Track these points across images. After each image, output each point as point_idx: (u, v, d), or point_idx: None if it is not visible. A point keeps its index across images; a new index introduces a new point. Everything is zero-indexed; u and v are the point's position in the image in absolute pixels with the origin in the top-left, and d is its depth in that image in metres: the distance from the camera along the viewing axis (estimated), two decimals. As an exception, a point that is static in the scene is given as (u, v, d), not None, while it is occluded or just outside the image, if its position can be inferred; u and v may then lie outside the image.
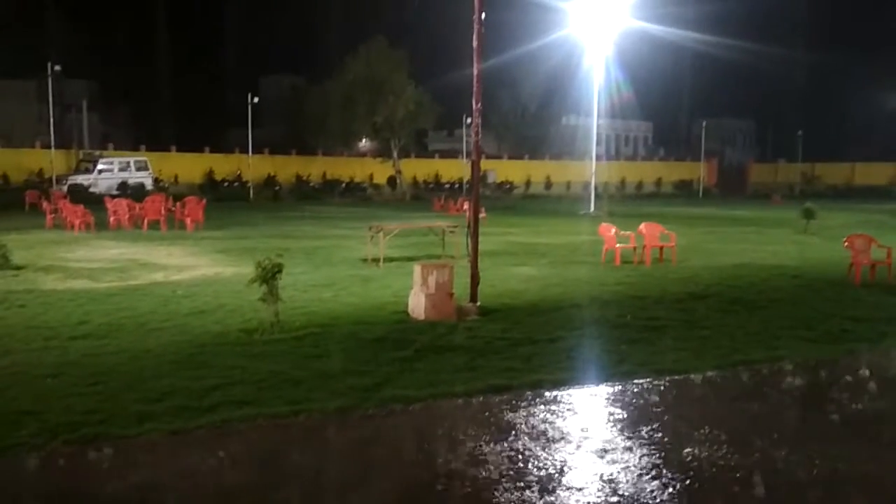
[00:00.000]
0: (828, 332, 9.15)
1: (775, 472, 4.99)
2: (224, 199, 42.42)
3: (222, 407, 6.05)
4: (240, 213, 33.38)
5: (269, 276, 8.57)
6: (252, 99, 48.56)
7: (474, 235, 10.46)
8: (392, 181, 57.53)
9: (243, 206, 40.01)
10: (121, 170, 44.34)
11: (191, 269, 14.36)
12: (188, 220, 23.41)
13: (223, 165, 53.40)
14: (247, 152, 50.91)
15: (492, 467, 4.99)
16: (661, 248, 16.40)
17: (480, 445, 5.39)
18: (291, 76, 68.42)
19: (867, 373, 7.58)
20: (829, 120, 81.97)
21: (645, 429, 5.77)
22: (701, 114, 76.50)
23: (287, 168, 55.95)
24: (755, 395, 6.82)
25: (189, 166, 52.26)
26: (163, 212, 24.02)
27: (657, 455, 5.23)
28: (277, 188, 51.58)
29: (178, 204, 25.61)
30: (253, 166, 50.61)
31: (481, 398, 6.44)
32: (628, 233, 16.43)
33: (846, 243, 14.24)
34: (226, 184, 50.94)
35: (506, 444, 5.40)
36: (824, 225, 25.88)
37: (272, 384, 6.69)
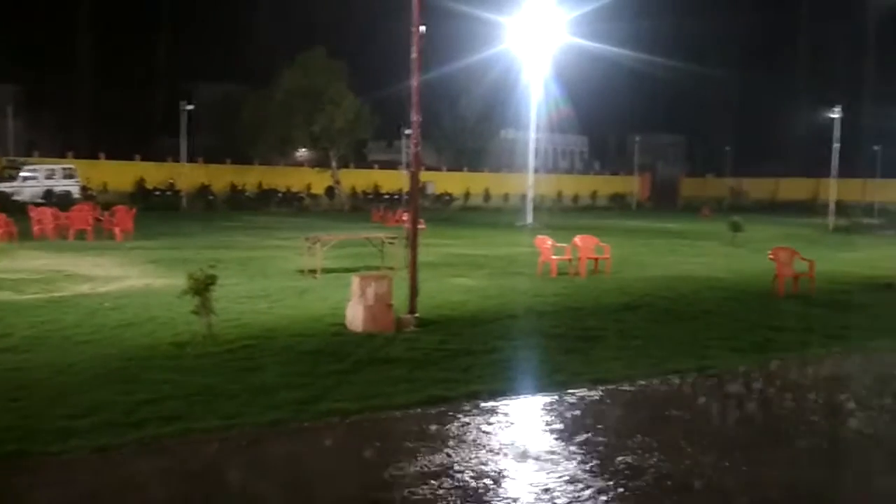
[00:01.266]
0: (753, 342, 9.48)
1: (705, 478, 5.13)
2: (155, 209, 41.30)
3: (151, 422, 5.87)
4: (172, 222, 32.55)
5: (201, 287, 8.38)
6: (185, 106, 47.51)
7: (413, 247, 10.46)
8: (330, 191, 57.04)
9: (176, 216, 39.05)
10: (46, 177, 42.66)
11: (119, 280, 13.91)
12: (117, 230, 22.69)
13: (155, 174, 51.98)
14: (179, 160, 49.74)
15: (428, 479, 4.98)
16: (596, 259, 16.73)
17: (417, 457, 5.37)
18: (227, 84, 67.23)
19: (790, 381, 7.88)
20: (755, 136, 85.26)
21: (580, 437, 5.86)
22: (634, 129, 78.63)
23: (221, 177, 54.83)
24: (685, 404, 7.01)
25: (119, 174, 50.68)
26: (90, 221, 23.22)
27: (592, 463, 5.32)
28: (211, 197, 50.52)
29: (106, 213, 24.81)
30: (186, 175, 49.45)
31: (419, 410, 6.43)
32: (564, 245, 16.70)
33: (771, 256, 14.81)
34: (157, 193, 49.58)
35: (443, 456, 5.40)
36: (750, 238, 26.86)
37: (204, 398, 6.53)
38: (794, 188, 72.04)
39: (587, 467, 5.24)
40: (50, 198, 39.20)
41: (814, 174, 63.46)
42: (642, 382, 7.53)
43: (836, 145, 42.47)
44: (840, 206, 44.24)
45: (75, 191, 42.78)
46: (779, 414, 6.78)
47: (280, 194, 54.82)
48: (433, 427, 6.05)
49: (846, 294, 14.17)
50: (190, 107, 48.49)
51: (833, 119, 42.91)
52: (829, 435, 6.16)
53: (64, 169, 44.28)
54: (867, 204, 54.55)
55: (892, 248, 18.83)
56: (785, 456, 5.62)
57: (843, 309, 12.42)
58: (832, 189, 42.81)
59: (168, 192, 49.82)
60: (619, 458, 5.41)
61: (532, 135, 41.88)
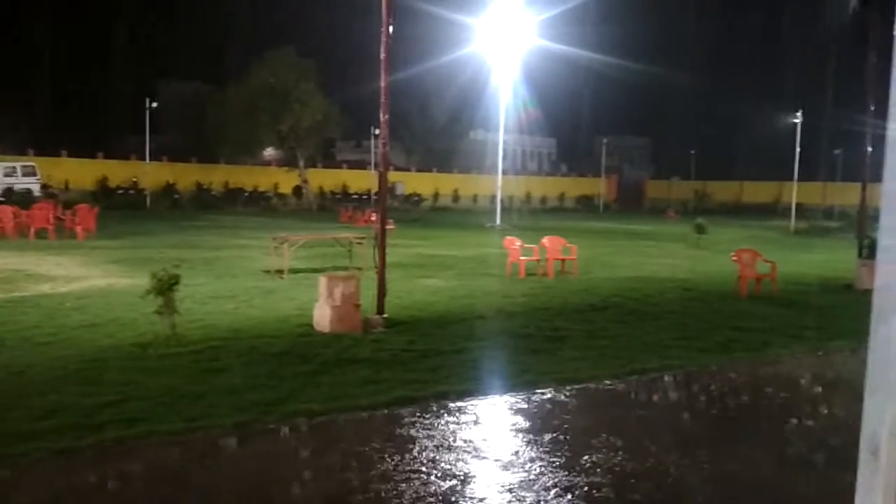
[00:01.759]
0: (716, 342, 9.63)
1: (668, 475, 5.20)
2: (119, 208, 40.61)
3: (114, 424, 5.77)
4: (136, 221, 32.03)
5: (165, 287, 8.26)
6: (150, 104, 46.81)
7: (381, 247, 10.43)
8: (298, 191, 56.65)
9: (139, 215, 38.44)
10: (6, 175, 41.71)
11: (81, 280, 13.65)
12: (79, 229, 22.26)
13: (118, 172, 51.10)
14: (144, 159, 48.98)
15: (395, 480, 4.97)
16: (564, 260, 16.86)
17: (384, 458, 5.36)
18: (194, 81, 66.40)
19: (752, 380, 8.03)
20: (720, 140, 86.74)
21: (546, 437, 5.90)
22: (601, 131, 79.51)
23: (187, 176, 54.13)
24: (650, 403, 7.09)
25: (81, 172, 49.72)
26: (51, 220, 22.74)
27: (558, 463, 5.35)
28: (176, 196, 49.85)
29: (68, 212, 24.32)
30: (150, 173, 48.71)
31: (386, 411, 6.42)
32: (532, 246, 16.80)
33: (734, 257, 15.06)
34: (121, 191, 48.78)
35: (410, 457, 5.40)
36: (714, 240, 27.29)
37: (168, 400, 6.44)
38: (757, 191, 73.41)
39: (553, 467, 5.28)
40: (10, 196, 38.33)
41: (777, 178, 64.74)
42: (608, 382, 7.60)
43: (798, 149, 43.39)
44: (801, 209, 45.21)
45: (36, 189, 41.88)
46: (741, 412, 6.90)
47: (247, 194, 54.30)
48: (400, 428, 6.04)
49: (807, 295, 14.48)
50: (155, 104, 47.76)
51: (795, 123, 43.83)
52: (789, 432, 6.28)
53: (24, 167, 43.34)
54: (827, 207, 55.81)
55: (850, 251, 19.27)
56: (747, 453, 5.72)
57: (804, 309, 12.68)
58: (794, 192, 43.70)
59: (132, 191, 49.04)
60: (585, 458, 5.45)
61: (501, 136, 42.06)
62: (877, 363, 1.36)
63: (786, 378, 8.26)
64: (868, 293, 1.43)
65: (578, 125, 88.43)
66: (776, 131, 55.20)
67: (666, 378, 7.86)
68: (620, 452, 5.57)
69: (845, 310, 12.52)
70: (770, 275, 14.43)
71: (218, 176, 55.61)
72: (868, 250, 15.27)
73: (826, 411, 6.90)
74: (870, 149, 16.62)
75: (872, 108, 16.18)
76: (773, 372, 8.46)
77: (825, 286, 15.86)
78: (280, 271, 14.81)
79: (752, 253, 14.95)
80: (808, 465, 5.53)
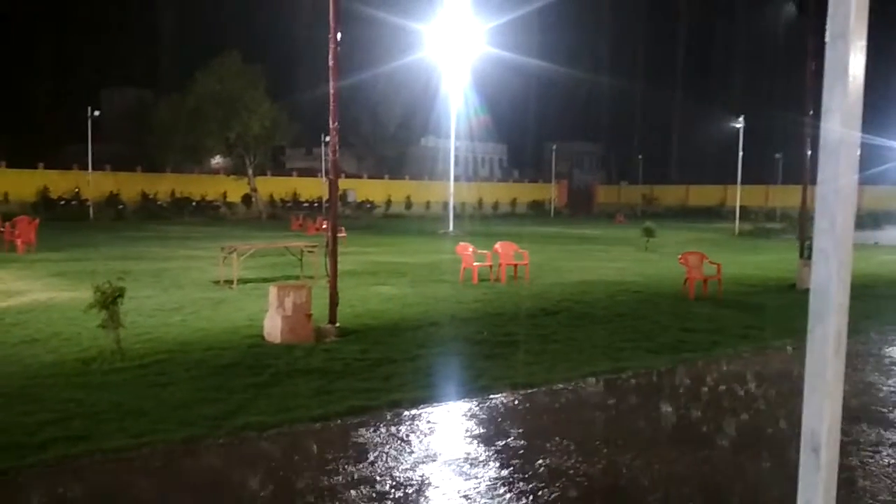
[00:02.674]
0: (666, 344, 9.81)
1: (620, 476, 5.26)
2: (61, 219, 39.54)
3: (57, 443, 5.58)
4: (78, 233, 31.16)
5: (109, 300, 8.04)
6: (92, 112, 45.65)
7: (333, 255, 10.34)
8: (247, 199, 55.87)
9: (82, 227, 37.41)
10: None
11: (21, 294, 13.19)
12: (19, 242, 21.53)
13: (60, 183, 49.70)
14: (86, 169, 47.71)
15: (349, 491, 4.91)
16: (516, 266, 16.98)
17: (338, 469, 5.29)
18: (137, 89, 64.98)
19: (701, 380, 8.19)
20: (667, 145, 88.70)
21: (501, 442, 5.91)
22: (551, 137, 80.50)
23: (132, 185, 52.92)
24: (602, 405, 7.17)
25: (21, 183, 48.20)
26: (-11, 232, 21.95)
27: (512, 467, 5.37)
28: (121, 207, 48.75)
29: (7, 224, 23.51)
30: (93, 183, 47.51)
31: (339, 421, 6.35)
32: (485, 252, 16.88)
33: (681, 260, 15.37)
34: (62, 202, 47.46)
35: (364, 466, 5.34)
36: (662, 243, 27.84)
37: (113, 416, 6.25)
38: (703, 195, 75.21)
39: (508, 472, 5.29)
40: (-56, 208, 36.91)
41: (721, 181, 66.43)
42: (561, 385, 7.66)
43: (741, 153, 44.61)
44: (745, 211, 46.46)
45: (-28, 201, 40.43)
46: (691, 412, 7.02)
47: (194, 203, 53.39)
48: (353, 438, 5.98)
49: (752, 295, 14.86)
50: (97, 113, 46.61)
51: (737, 128, 45.05)
52: (739, 431, 6.42)
53: (-41, 178, 41.84)
54: (770, 209, 57.49)
55: (792, 252, 19.86)
56: (697, 453, 5.82)
57: (750, 310, 13.01)
58: (737, 195, 44.89)
59: (74, 202, 47.81)
60: (539, 462, 5.48)
61: (452, 142, 42.21)
62: (814, 363, 1.39)
63: (734, 377, 8.45)
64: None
65: (528, 131, 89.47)
66: (720, 136, 56.67)
67: (617, 380, 7.96)
68: (574, 455, 5.61)
69: (789, 309, 12.89)
70: (716, 276, 14.76)
71: (164, 185, 54.51)
72: (809, 251, 15.73)
73: (774, 408, 7.08)
74: (809, 152, 17.15)
75: (811, 113, 16.73)
76: (721, 371, 8.64)
77: (769, 286, 16.30)
78: (229, 282, 14.56)
79: (699, 255, 15.27)
80: (758, 462, 5.65)
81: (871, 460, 5.64)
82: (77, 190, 48.86)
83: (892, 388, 7.88)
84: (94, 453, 5.45)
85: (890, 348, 10.01)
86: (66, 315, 10.86)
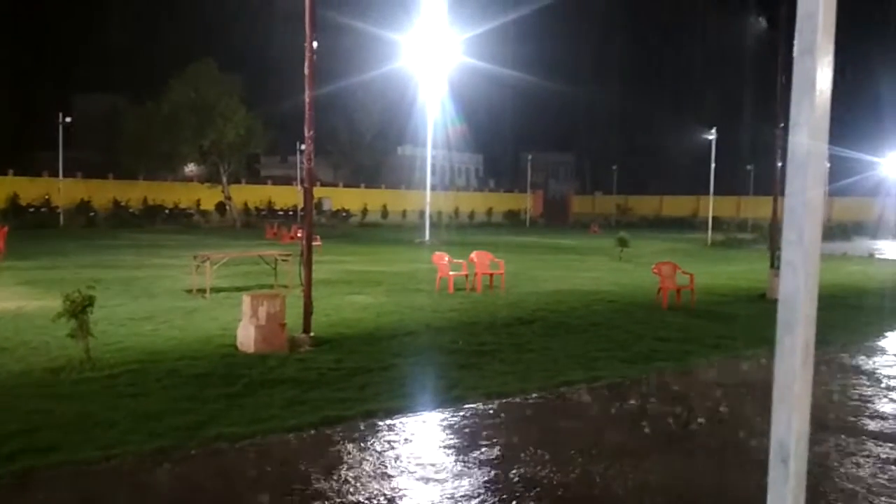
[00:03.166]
0: (639, 353, 9.87)
1: (594, 486, 5.27)
2: (30, 227, 38.89)
3: (24, 454, 5.46)
4: (48, 241, 30.65)
5: (78, 309, 7.91)
6: (64, 118, 45.04)
7: (308, 264, 10.28)
8: (221, 207, 55.39)
9: (52, 234, 36.83)
10: None
11: (-12, 303, 12.93)
12: (-14, 249, 21.13)
13: (29, 189, 48.87)
14: (57, 175, 47.01)
15: (322, 502, 4.87)
16: (492, 275, 17.01)
17: (310, 481, 5.24)
18: (110, 95, 64.27)
19: (674, 389, 8.25)
20: (641, 156, 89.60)
21: (475, 453, 5.90)
22: (527, 148, 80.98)
23: (103, 193, 52.20)
24: (576, 414, 7.19)
25: (-11, 190, 47.38)
26: (-45, 239, 21.51)
27: (486, 478, 5.36)
28: (92, 214, 48.08)
29: (-26, 231, 23.05)
30: (64, 191, 46.83)
31: (313, 431, 6.29)
32: (461, 261, 16.89)
33: (655, 270, 15.51)
34: (32, 209, 46.68)
35: (338, 477, 5.30)
36: (636, 253, 28.08)
37: (82, 427, 6.14)
38: (676, 205, 76.02)
39: (482, 482, 5.28)
40: None
41: (694, 192, 67.20)
42: (535, 395, 7.67)
43: (713, 165, 45.19)
44: (717, 222, 47.02)
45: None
46: (664, 421, 7.07)
47: (167, 211, 52.83)
48: (327, 449, 5.93)
49: (724, 305, 15.03)
50: (69, 119, 46.01)
51: (710, 140, 45.66)
52: (711, 440, 6.47)
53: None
54: (742, 220, 58.25)
55: (764, 262, 20.13)
56: (671, 461, 5.85)
57: (722, 319, 13.16)
58: (710, 206, 45.45)
59: (44, 209, 47.05)
60: (513, 472, 5.47)
61: (429, 152, 42.27)
62: (783, 373, 1.40)
63: (706, 386, 8.53)
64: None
65: (504, 141, 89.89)
66: (693, 147, 57.38)
67: (592, 389, 7.99)
68: (548, 465, 5.62)
69: (760, 319, 13.05)
70: (689, 286, 14.91)
71: (136, 193, 53.87)
72: (780, 261, 15.98)
73: (746, 417, 7.15)
74: (780, 164, 17.44)
75: (781, 125, 17.04)
76: (694, 380, 8.72)
77: (740, 296, 16.50)
78: (202, 290, 14.41)
79: (672, 265, 15.43)
80: (729, 471, 5.70)
81: (842, 470, 5.71)
82: (47, 197, 48.13)
83: (859, 397, 8.00)
84: (63, 465, 5.35)
85: (858, 358, 10.17)
86: (34, 324, 10.66)
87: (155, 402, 6.95)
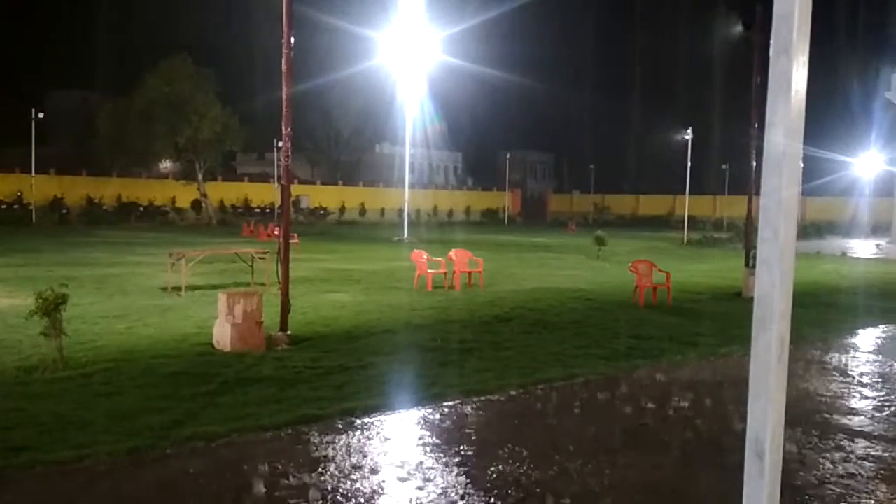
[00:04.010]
0: (616, 351, 9.94)
1: (571, 483, 5.30)
2: (1, 224, 38.25)
3: (-7, 456, 5.37)
4: (20, 238, 30.18)
5: (51, 307, 7.79)
6: (36, 114, 44.35)
7: (285, 262, 10.22)
8: (197, 205, 54.86)
9: (24, 231, 36.27)
10: None
11: (-43, 301, 12.70)
12: (-44, 246, 20.76)
13: (1, 186, 48.13)
14: (29, 172, 46.28)
15: (299, 501, 4.84)
16: (470, 273, 17.03)
17: (289, 479, 5.22)
18: (83, 91, 63.37)
19: (651, 386, 8.32)
20: (618, 155, 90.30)
21: (453, 450, 5.90)
22: (505, 146, 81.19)
23: (76, 189, 51.48)
24: (554, 412, 7.23)
25: (-41, 186, 46.55)
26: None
27: (465, 475, 5.36)
28: (65, 211, 47.41)
29: (-57, 228, 22.66)
30: (36, 187, 46.09)
31: (290, 430, 6.26)
32: (439, 259, 16.89)
33: (631, 268, 15.63)
34: (4, 206, 45.95)
35: (315, 476, 5.28)
36: (614, 251, 28.26)
37: (54, 427, 6.05)
38: (652, 204, 76.66)
39: (460, 480, 5.28)
40: None
41: (670, 191, 67.79)
42: (513, 392, 7.70)
43: (689, 164, 45.62)
44: (693, 220, 47.47)
45: None
46: (641, 418, 7.12)
47: (142, 208, 52.25)
48: (304, 447, 5.91)
49: (699, 303, 15.18)
50: (41, 115, 45.31)
51: (686, 140, 46.09)
52: (688, 436, 6.54)
53: None
54: (717, 219, 58.85)
55: (739, 260, 20.35)
56: (647, 458, 5.90)
57: (697, 317, 13.29)
58: (686, 205, 45.89)
59: (16, 206, 46.34)
60: (492, 469, 5.49)
61: (407, 149, 42.20)
62: (758, 370, 1.42)
63: (683, 383, 8.61)
64: (753, 301, 1.50)
65: (483, 140, 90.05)
66: (669, 147, 57.89)
67: (569, 386, 8.04)
68: (526, 462, 5.64)
69: (735, 317, 13.20)
70: (665, 284, 15.04)
71: (110, 189, 53.17)
72: (755, 260, 16.17)
73: (720, 414, 7.23)
74: (754, 163, 17.64)
75: (756, 125, 17.25)
76: (670, 377, 8.80)
77: (716, 294, 16.68)
78: (177, 288, 14.27)
79: (648, 264, 15.55)
80: (704, 467, 5.76)
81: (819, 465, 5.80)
82: (19, 193, 47.40)
83: (832, 394, 8.13)
84: (35, 465, 5.27)
85: (831, 354, 10.33)
86: (6, 322, 10.50)
87: (130, 401, 6.87)
